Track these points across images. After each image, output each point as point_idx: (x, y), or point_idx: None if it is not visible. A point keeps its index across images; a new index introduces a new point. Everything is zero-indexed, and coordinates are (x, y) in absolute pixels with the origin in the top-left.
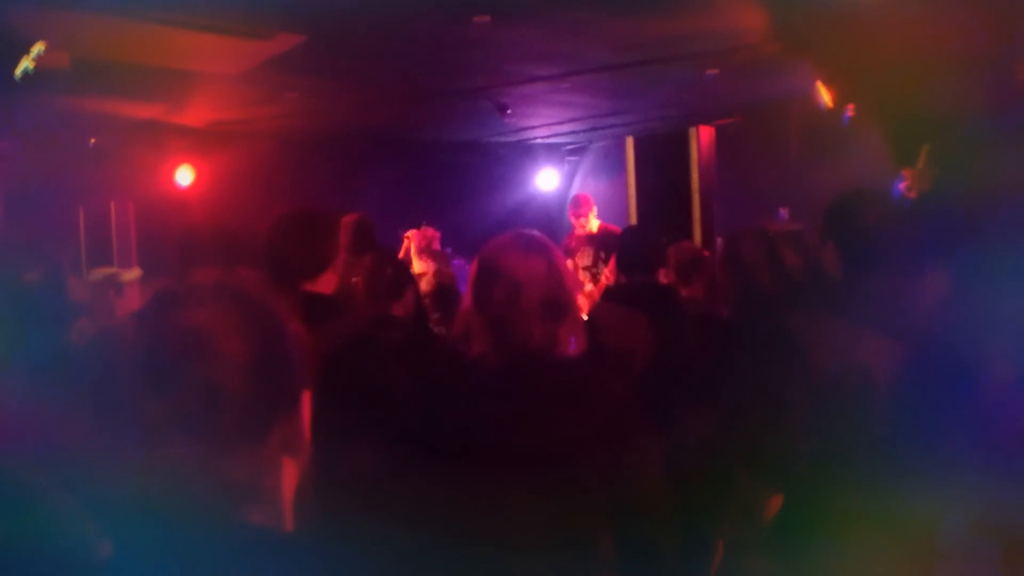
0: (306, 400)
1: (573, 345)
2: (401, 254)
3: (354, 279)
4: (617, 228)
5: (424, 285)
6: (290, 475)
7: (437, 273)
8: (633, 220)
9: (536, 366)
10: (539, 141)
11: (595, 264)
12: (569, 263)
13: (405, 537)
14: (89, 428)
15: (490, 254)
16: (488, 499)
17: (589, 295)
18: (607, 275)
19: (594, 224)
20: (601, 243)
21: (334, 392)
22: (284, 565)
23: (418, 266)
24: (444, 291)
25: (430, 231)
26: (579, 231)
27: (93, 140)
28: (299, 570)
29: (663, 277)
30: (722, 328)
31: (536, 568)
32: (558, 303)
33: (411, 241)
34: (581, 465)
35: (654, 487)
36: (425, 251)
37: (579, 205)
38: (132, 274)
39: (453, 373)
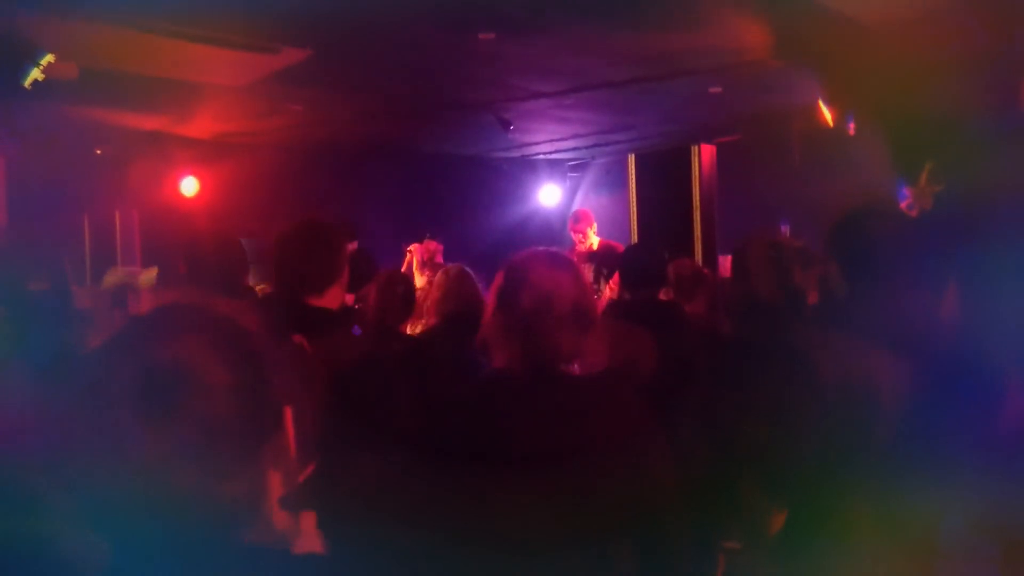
0: (288, 415)
1: (597, 357)
2: (404, 267)
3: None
4: (619, 245)
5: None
6: (276, 487)
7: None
8: (634, 236)
9: (560, 376)
10: (542, 156)
11: (596, 281)
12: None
13: (416, 548)
14: (80, 444)
15: (517, 264)
16: (502, 509)
17: None
18: (611, 288)
19: (594, 239)
20: (603, 260)
21: (340, 406)
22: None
23: (419, 280)
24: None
25: (433, 244)
26: (579, 246)
27: (99, 150)
28: None
29: (663, 294)
30: (725, 343)
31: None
32: (586, 314)
33: (414, 255)
34: (599, 476)
35: (669, 495)
36: (427, 264)
37: (579, 220)
38: (149, 275)
39: (462, 385)
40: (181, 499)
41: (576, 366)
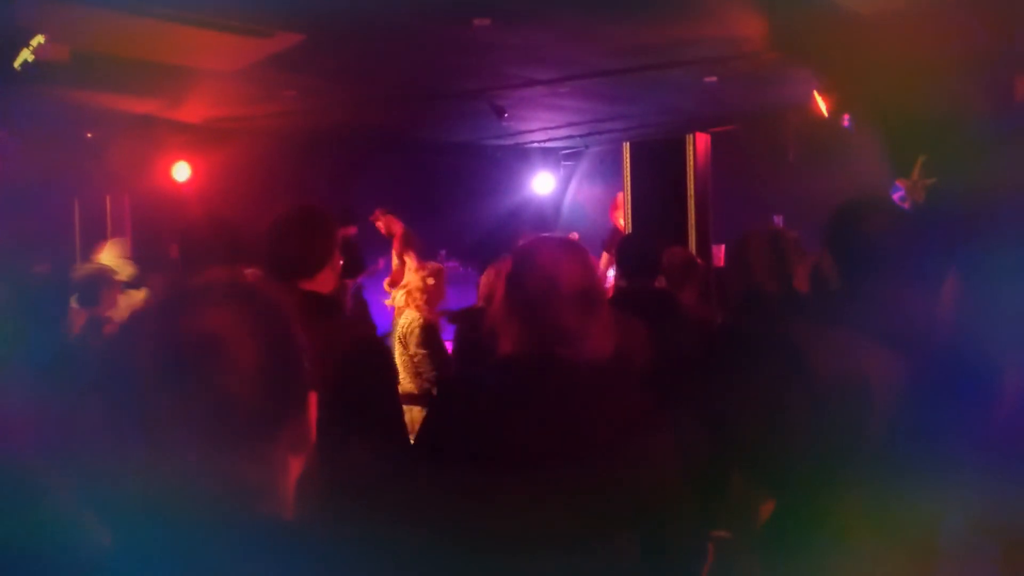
0: (313, 401)
1: (604, 343)
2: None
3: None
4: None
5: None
6: (295, 474)
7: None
8: (629, 225)
9: (566, 361)
10: (535, 145)
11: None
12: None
13: (419, 539)
14: (98, 426)
15: (525, 249)
16: (509, 496)
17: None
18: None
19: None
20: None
21: (334, 391)
22: (291, 564)
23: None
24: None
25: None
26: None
27: (90, 134)
28: (305, 568)
29: (657, 282)
30: (721, 333)
31: (558, 568)
32: (592, 297)
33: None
34: (607, 464)
35: (673, 483)
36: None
37: (618, 207)
38: (126, 270)
39: (468, 371)
40: (197, 475)
41: (582, 350)
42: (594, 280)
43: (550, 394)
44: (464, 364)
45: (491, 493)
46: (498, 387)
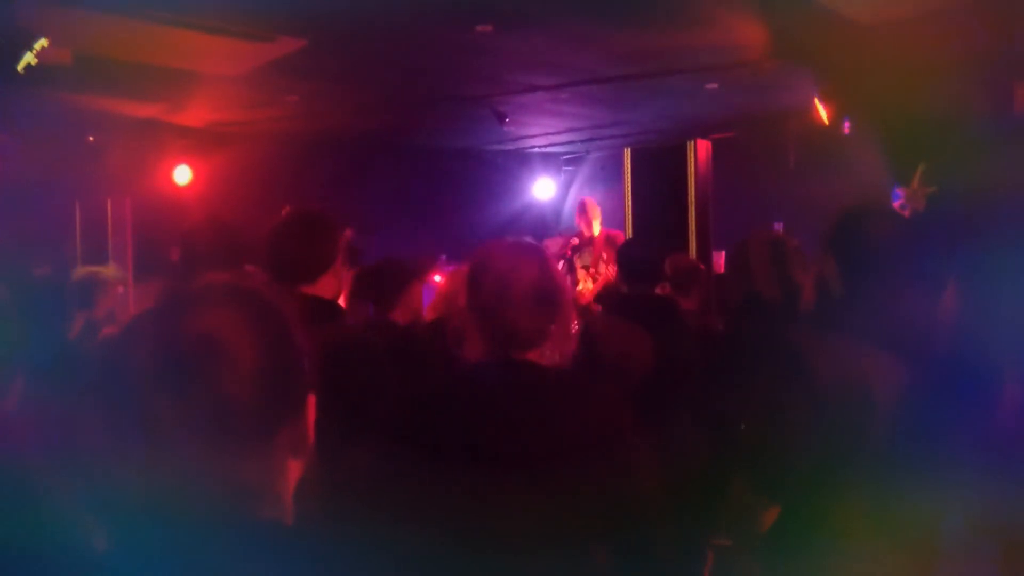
0: (311, 403)
1: (566, 345)
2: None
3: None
4: (618, 232)
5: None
6: (294, 476)
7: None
8: (629, 231)
9: (527, 365)
10: (536, 150)
11: (595, 264)
12: (568, 261)
13: (398, 539)
14: (99, 428)
15: (482, 253)
16: (473, 503)
17: (585, 293)
18: (592, 276)
19: (597, 229)
20: (603, 245)
21: (331, 394)
22: (288, 564)
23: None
24: None
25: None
26: (585, 233)
27: (92, 137)
28: (302, 568)
29: (659, 289)
30: (721, 339)
31: (527, 572)
32: (548, 299)
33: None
34: (574, 469)
35: (650, 494)
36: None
37: (584, 211)
38: (109, 271)
39: (446, 375)
40: (196, 476)
41: (544, 354)
42: (552, 282)
43: (513, 399)
44: (430, 372)
45: (455, 496)
46: (463, 393)
